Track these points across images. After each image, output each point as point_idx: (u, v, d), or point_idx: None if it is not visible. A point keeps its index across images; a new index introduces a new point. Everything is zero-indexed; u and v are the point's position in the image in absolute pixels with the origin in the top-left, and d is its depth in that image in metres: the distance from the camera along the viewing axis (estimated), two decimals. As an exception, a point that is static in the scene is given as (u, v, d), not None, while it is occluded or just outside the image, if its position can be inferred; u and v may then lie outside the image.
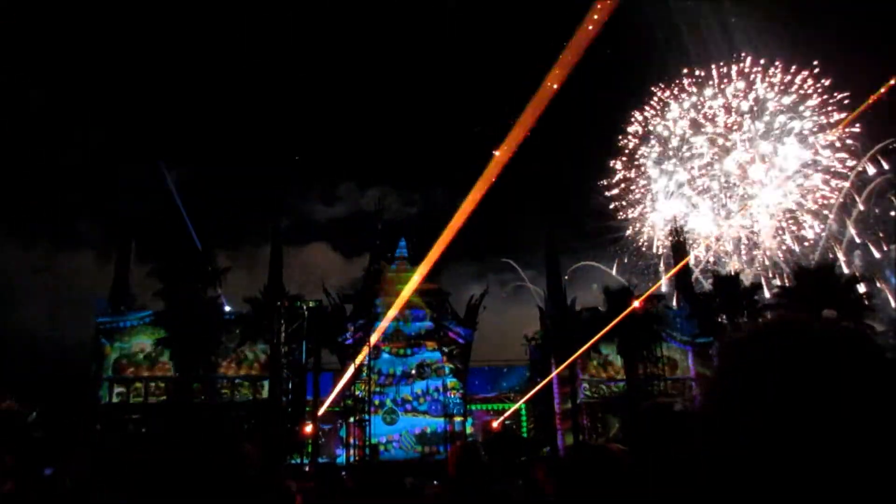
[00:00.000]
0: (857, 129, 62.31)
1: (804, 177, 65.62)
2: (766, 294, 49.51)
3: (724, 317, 40.99)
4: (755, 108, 67.47)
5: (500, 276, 67.34)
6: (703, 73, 69.58)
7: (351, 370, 39.09)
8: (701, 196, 70.31)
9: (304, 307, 36.35)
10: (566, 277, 49.56)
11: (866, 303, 41.12)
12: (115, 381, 39.31)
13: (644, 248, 71.76)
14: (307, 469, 32.13)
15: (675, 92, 71.27)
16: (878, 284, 51.97)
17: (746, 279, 51.15)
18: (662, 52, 75.53)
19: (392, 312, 42.71)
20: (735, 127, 68.46)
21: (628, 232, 72.71)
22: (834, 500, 0.84)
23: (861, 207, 59.97)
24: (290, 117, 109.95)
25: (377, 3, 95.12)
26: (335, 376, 42.40)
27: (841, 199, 62.58)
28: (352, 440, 40.06)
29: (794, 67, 65.28)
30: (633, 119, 73.24)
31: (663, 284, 62.56)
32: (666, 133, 71.76)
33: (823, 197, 64.65)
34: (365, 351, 38.08)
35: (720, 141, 68.96)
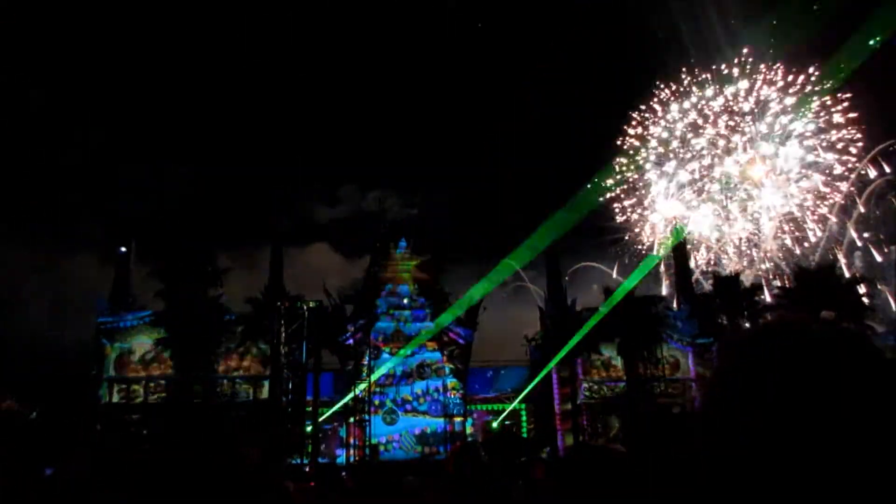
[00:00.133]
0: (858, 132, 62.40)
1: (805, 178, 65.65)
2: (767, 295, 49.53)
3: (725, 318, 41.00)
4: (756, 110, 67.49)
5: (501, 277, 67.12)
6: (703, 74, 69.63)
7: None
8: (701, 197, 70.32)
9: (305, 307, 36.36)
10: (566, 278, 49.60)
11: (866, 304, 41.14)
12: (115, 381, 39.30)
13: (644, 252, 71.75)
14: (307, 469, 32.14)
15: (676, 93, 71.31)
16: (879, 286, 51.96)
17: (747, 280, 51.16)
18: (663, 52, 75.66)
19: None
20: (737, 128, 68.46)
21: (629, 233, 72.76)
22: (834, 499, 0.84)
23: (861, 209, 59.97)
24: (291, 118, 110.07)
25: (378, 4, 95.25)
26: (335, 376, 42.43)
27: (841, 201, 62.61)
28: (352, 440, 40.08)
29: (794, 70, 65.31)
30: (633, 120, 73.29)
31: (664, 285, 62.69)
32: (666, 134, 71.79)
33: (824, 198, 64.69)
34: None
35: (721, 142, 68.97)
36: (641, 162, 72.68)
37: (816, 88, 64.27)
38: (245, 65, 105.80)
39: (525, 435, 44.03)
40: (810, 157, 65.47)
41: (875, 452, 0.85)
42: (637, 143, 72.96)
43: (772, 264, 65.77)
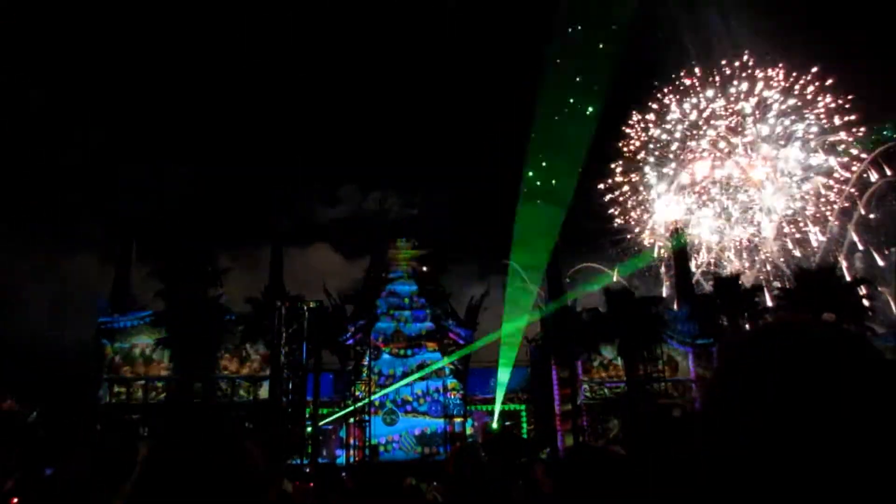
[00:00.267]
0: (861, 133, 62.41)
1: (806, 180, 65.65)
2: (767, 296, 49.52)
3: (725, 318, 41.00)
4: (757, 112, 67.47)
5: (502, 278, 67.17)
6: (705, 75, 69.62)
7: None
8: (702, 199, 70.32)
9: (305, 308, 36.39)
10: (567, 279, 49.63)
11: (867, 306, 41.15)
12: (115, 381, 39.31)
13: (645, 250, 71.75)
14: (307, 470, 32.14)
15: (677, 94, 71.32)
16: (879, 288, 51.94)
17: (747, 281, 51.15)
18: (664, 53, 75.58)
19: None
20: (738, 129, 68.45)
21: (629, 234, 72.76)
22: (834, 500, 0.85)
23: (862, 211, 59.94)
24: (291, 118, 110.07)
25: (379, 5, 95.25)
26: (335, 377, 42.44)
27: (843, 203, 62.58)
28: (352, 441, 40.09)
29: (795, 72, 65.31)
30: (633, 121, 73.31)
31: (664, 286, 62.68)
32: (665, 136, 71.82)
33: (825, 200, 64.68)
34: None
35: (722, 144, 68.96)
36: (641, 164, 72.73)
37: (818, 90, 64.33)
38: (245, 64, 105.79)
39: (525, 436, 44.01)
40: (812, 159, 65.49)
41: (875, 453, 0.85)
42: (637, 145, 73.02)
43: (772, 266, 65.78)
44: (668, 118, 71.62)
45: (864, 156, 61.95)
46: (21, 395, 31.85)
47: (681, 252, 51.00)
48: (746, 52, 67.19)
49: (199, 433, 1.64)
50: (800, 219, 65.64)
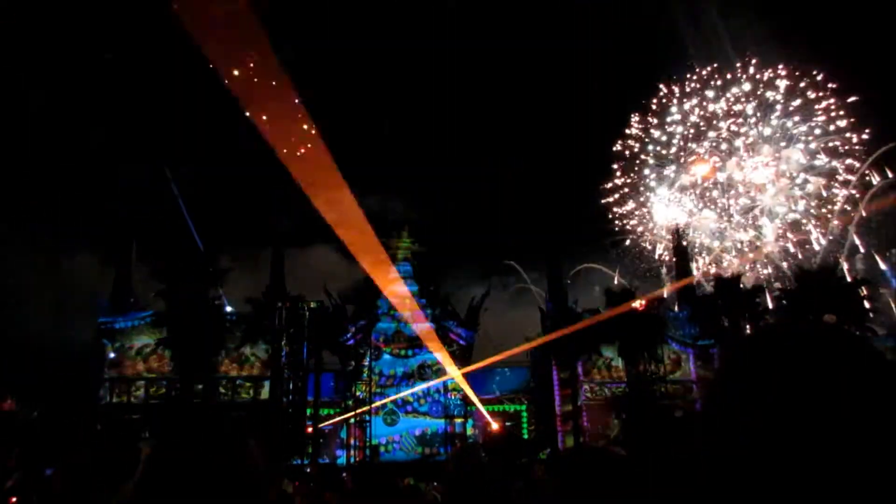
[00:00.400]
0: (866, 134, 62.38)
1: (807, 181, 65.59)
2: (768, 298, 49.46)
3: (726, 319, 40.98)
4: (758, 114, 67.44)
5: (503, 278, 67.33)
6: (706, 76, 69.59)
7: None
8: (703, 200, 70.29)
9: (306, 308, 36.42)
10: (568, 280, 49.63)
11: (868, 307, 41.14)
12: (115, 381, 39.33)
13: (646, 252, 71.75)
14: (308, 470, 32.15)
15: (677, 95, 71.28)
16: (881, 290, 51.88)
17: (748, 282, 51.10)
18: (665, 53, 75.63)
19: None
20: (739, 131, 68.40)
21: (630, 234, 72.72)
22: (834, 500, 0.84)
23: (863, 213, 59.89)
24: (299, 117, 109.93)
25: (381, 6, 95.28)
26: (336, 377, 42.44)
27: (844, 205, 62.56)
28: (352, 441, 40.09)
29: (798, 72, 65.24)
30: (633, 122, 73.29)
31: (665, 286, 62.64)
32: (665, 138, 71.80)
33: (827, 202, 64.65)
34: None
35: (723, 146, 68.93)
36: (641, 166, 72.73)
37: (820, 91, 64.30)
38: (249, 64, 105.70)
39: (526, 436, 44.03)
40: (813, 161, 65.44)
41: (875, 453, 0.85)
42: (637, 147, 73.01)
43: (773, 267, 65.74)
44: (670, 119, 71.59)
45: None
46: (22, 395, 31.88)
47: (681, 253, 50.98)
48: (749, 52, 67.17)
49: (200, 433, 1.64)
50: (802, 220, 65.61)
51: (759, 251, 66.54)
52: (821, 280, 40.73)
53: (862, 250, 58.79)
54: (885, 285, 53.48)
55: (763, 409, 0.92)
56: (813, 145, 65.39)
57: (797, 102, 65.60)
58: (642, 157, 72.79)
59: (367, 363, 41.82)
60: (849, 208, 61.98)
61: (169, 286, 37.80)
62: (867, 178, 60.69)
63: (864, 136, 62.52)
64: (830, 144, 64.79)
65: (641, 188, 72.83)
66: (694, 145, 70.28)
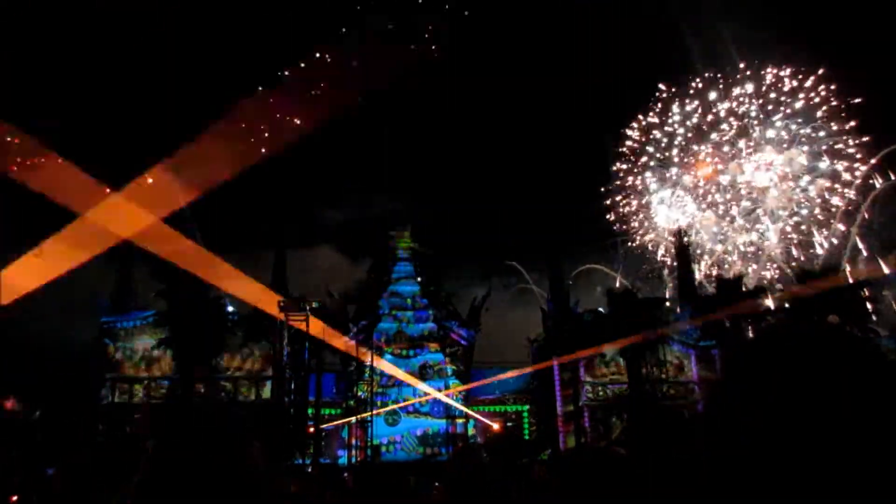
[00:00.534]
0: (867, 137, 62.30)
1: (811, 183, 65.50)
2: (770, 298, 49.38)
3: (727, 320, 40.93)
4: (761, 115, 67.34)
5: (505, 279, 67.33)
6: (708, 77, 69.51)
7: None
8: (705, 201, 70.23)
9: (307, 308, 36.38)
10: (570, 281, 49.63)
11: (870, 308, 41.09)
12: (117, 381, 39.35)
13: (648, 254, 71.71)
14: (309, 470, 32.14)
15: (679, 96, 71.23)
16: (884, 291, 51.79)
17: (750, 283, 51.07)
18: (667, 54, 75.58)
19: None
20: (742, 132, 68.32)
21: (632, 235, 72.69)
22: (834, 500, 0.84)
23: (866, 215, 59.82)
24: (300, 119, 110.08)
25: (387, 8, 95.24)
26: (337, 377, 42.47)
27: (847, 207, 62.47)
28: (353, 441, 40.09)
29: (801, 74, 65.14)
30: (635, 123, 73.26)
31: (667, 288, 62.63)
32: (666, 139, 71.76)
33: (829, 203, 64.57)
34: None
35: (725, 148, 68.87)
36: (642, 169, 72.72)
37: (824, 93, 64.19)
38: (251, 65, 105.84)
39: (527, 436, 44.04)
40: (816, 163, 65.34)
41: (875, 454, 0.84)
42: (638, 148, 73.00)
43: (775, 268, 65.67)
44: (671, 120, 71.53)
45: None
46: (24, 395, 31.91)
47: (683, 254, 50.93)
48: (752, 53, 67.06)
49: (201, 433, 1.64)
50: (803, 223, 65.54)
51: (763, 253, 66.48)
52: (823, 281, 40.69)
53: (865, 252, 58.74)
54: (888, 286, 53.43)
55: (764, 409, 0.91)
56: (815, 147, 65.33)
57: (800, 104, 65.51)
58: (644, 158, 72.80)
59: (368, 363, 41.83)
60: (851, 209, 61.92)
61: (170, 286, 37.81)
62: (871, 181, 60.61)
63: (866, 139, 62.44)
64: (833, 146, 64.70)
65: (643, 189, 72.85)
66: (695, 147, 70.25)
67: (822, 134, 64.83)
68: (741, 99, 68.02)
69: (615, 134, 73.55)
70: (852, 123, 62.99)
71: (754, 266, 66.75)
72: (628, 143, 73.36)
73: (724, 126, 68.84)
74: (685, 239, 52.47)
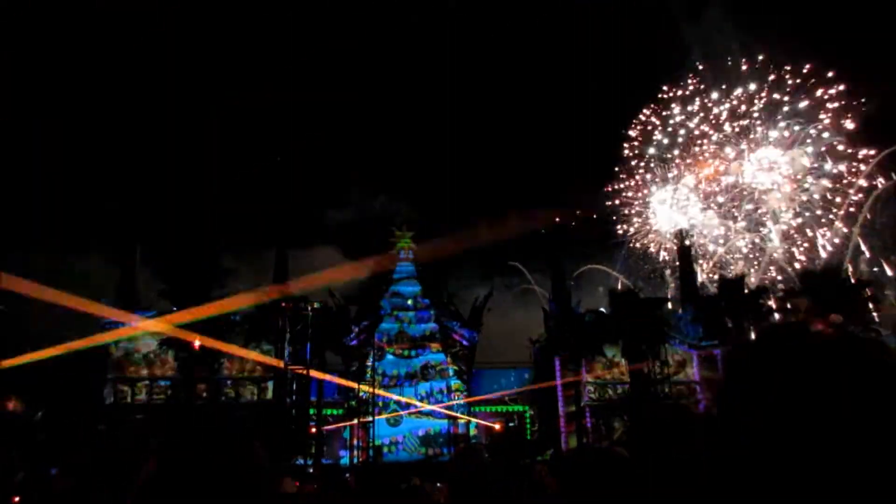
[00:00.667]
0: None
1: (813, 184, 65.43)
2: (772, 299, 49.34)
3: (729, 320, 40.91)
4: (763, 116, 67.27)
5: (507, 279, 67.31)
6: (711, 77, 69.45)
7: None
8: (707, 202, 70.18)
9: (309, 308, 36.41)
10: (571, 282, 49.61)
11: (871, 307, 41.05)
12: (118, 382, 39.37)
13: (650, 254, 71.67)
14: (311, 470, 32.14)
15: (681, 96, 71.18)
16: (886, 291, 51.73)
17: (752, 283, 51.04)
18: (669, 54, 75.54)
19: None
20: (745, 133, 68.26)
21: (633, 236, 72.66)
22: (834, 500, 0.84)
23: (868, 216, 59.74)
24: (301, 119, 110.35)
25: (387, 9, 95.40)
26: (339, 377, 42.45)
27: (848, 207, 62.39)
28: (355, 442, 40.09)
29: (805, 70, 65.00)
30: (636, 124, 73.23)
31: (669, 288, 62.62)
32: (667, 140, 71.72)
33: (831, 203, 64.49)
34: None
35: (728, 149, 68.80)
36: (643, 170, 72.70)
37: (829, 94, 64.08)
38: (255, 66, 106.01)
39: (529, 437, 44.03)
40: (818, 163, 65.26)
41: (875, 454, 0.84)
42: (640, 148, 72.97)
43: (778, 270, 65.58)
44: (673, 121, 71.49)
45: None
46: (27, 396, 31.94)
47: (685, 255, 50.91)
48: (755, 52, 66.98)
49: (203, 434, 1.64)
50: (805, 223, 65.46)
51: (765, 254, 66.39)
52: (825, 280, 40.66)
53: (867, 254, 58.67)
54: (889, 286, 53.38)
55: (764, 409, 0.91)
56: (818, 147, 65.23)
57: (803, 104, 65.41)
58: (645, 158, 72.79)
59: (370, 363, 41.84)
60: (853, 210, 61.83)
61: (173, 286, 37.84)
62: (875, 183, 60.51)
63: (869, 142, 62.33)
64: (835, 146, 64.61)
65: (645, 190, 72.83)
66: (697, 148, 70.22)
67: (825, 135, 64.74)
68: (743, 98, 68.01)
69: (617, 135, 73.57)
70: (854, 124, 62.93)
71: (756, 266, 66.70)
72: (630, 143, 73.38)
73: (727, 126, 68.82)
74: (687, 240, 52.41)
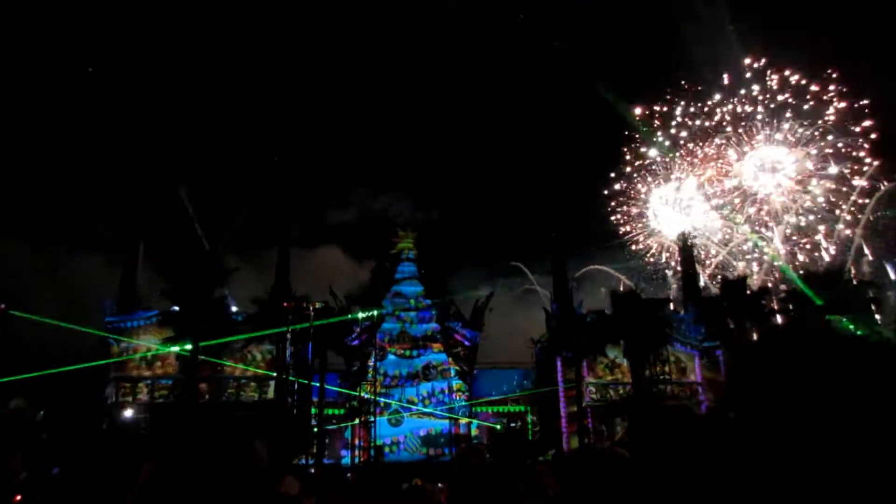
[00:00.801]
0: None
1: (815, 186, 65.36)
2: (773, 300, 49.26)
3: (731, 321, 40.82)
4: (766, 118, 67.17)
5: (509, 280, 67.28)
6: (713, 79, 69.41)
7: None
8: (709, 204, 70.09)
9: (311, 308, 36.38)
10: (573, 283, 49.54)
11: (874, 308, 40.96)
12: (121, 381, 39.40)
13: (652, 255, 71.61)
14: (312, 470, 32.15)
15: (684, 97, 71.12)
16: (889, 293, 51.64)
17: (754, 284, 50.96)
18: (671, 56, 75.45)
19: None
20: (747, 134, 68.17)
21: (636, 237, 72.62)
22: (834, 500, 0.83)
23: (870, 217, 59.66)
24: (303, 119, 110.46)
25: (388, 9, 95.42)
26: (341, 377, 42.45)
27: (850, 208, 62.33)
28: (357, 441, 40.09)
29: (808, 75, 64.95)
30: (638, 125, 73.15)
31: (671, 289, 62.57)
32: (669, 142, 71.66)
33: (834, 205, 64.43)
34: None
35: (730, 151, 68.72)
36: (646, 171, 72.64)
37: (832, 95, 64.00)
38: (260, 68, 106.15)
39: (531, 437, 43.99)
40: (822, 165, 65.20)
41: (875, 454, 0.84)
42: (643, 150, 72.92)
43: (780, 270, 65.50)
44: (675, 122, 71.44)
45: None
46: (29, 395, 31.95)
47: (687, 256, 50.86)
48: (759, 54, 66.91)
49: (204, 434, 1.64)
50: (807, 225, 65.40)
51: (767, 255, 66.29)
52: (827, 281, 40.57)
53: (869, 254, 58.61)
54: (891, 288, 53.31)
55: (765, 410, 0.91)
56: (822, 149, 65.16)
57: (807, 106, 65.30)
58: (648, 160, 72.74)
59: (371, 363, 41.82)
60: (855, 210, 61.76)
61: (175, 286, 37.82)
62: (879, 185, 60.41)
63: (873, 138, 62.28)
64: (839, 148, 64.54)
65: (647, 192, 72.77)
66: (700, 150, 70.15)
67: (829, 137, 64.66)
68: (746, 100, 67.94)
69: (619, 136, 73.53)
70: (859, 127, 62.85)
71: (758, 268, 66.63)
72: (632, 145, 73.33)
73: (729, 128, 68.76)
74: (689, 241, 52.37)
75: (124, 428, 35.48)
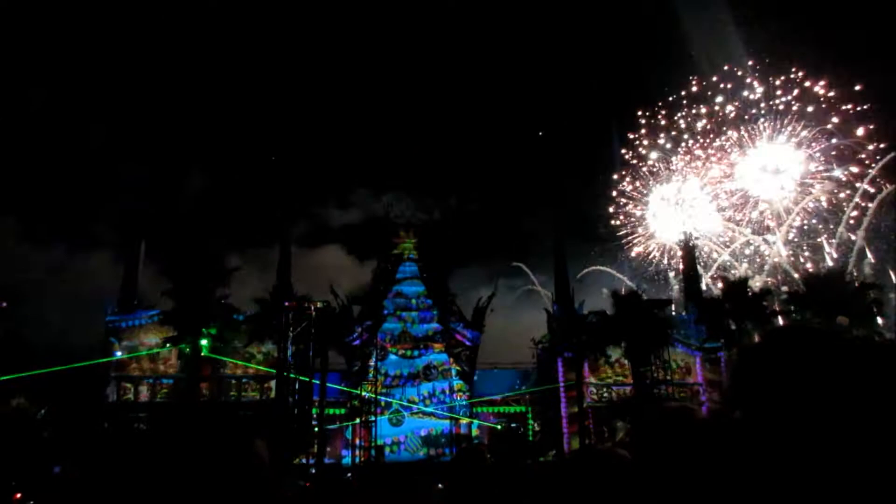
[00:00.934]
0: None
1: (816, 186, 65.30)
2: (776, 302, 49.25)
3: (733, 322, 40.81)
4: (769, 119, 67.11)
5: (511, 280, 67.37)
6: (716, 81, 69.38)
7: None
8: (711, 206, 70.08)
9: (312, 308, 36.37)
10: (573, 284, 49.55)
11: (875, 310, 40.97)
12: (122, 380, 39.42)
13: (654, 258, 71.61)
14: (312, 470, 32.17)
15: (684, 97, 71.10)
16: (890, 295, 51.59)
17: (755, 286, 50.89)
18: (673, 58, 75.43)
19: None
20: (748, 135, 68.12)
21: (637, 238, 72.62)
22: (834, 500, 0.83)
23: (872, 218, 59.60)
24: (305, 120, 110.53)
25: (394, 12, 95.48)
26: (342, 377, 42.44)
27: (852, 210, 62.26)
28: (357, 441, 40.08)
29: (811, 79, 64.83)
30: (639, 125, 73.17)
31: (673, 290, 62.55)
32: (670, 145, 71.66)
33: (836, 207, 64.36)
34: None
35: (733, 152, 68.67)
36: (648, 173, 72.65)
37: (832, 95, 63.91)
38: (263, 68, 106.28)
39: (531, 438, 43.96)
40: (825, 167, 65.12)
41: (875, 455, 0.83)
42: (645, 151, 72.93)
43: (782, 273, 65.48)
44: (677, 124, 71.42)
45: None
46: (31, 394, 31.99)
47: (688, 257, 50.84)
48: (761, 56, 66.85)
49: (205, 433, 1.64)
50: (810, 227, 65.35)
51: (769, 257, 66.26)
52: (829, 283, 40.57)
53: (871, 257, 58.55)
54: (893, 290, 53.26)
55: (767, 410, 0.91)
56: (825, 151, 65.08)
57: (811, 108, 65.19)
58: (650, 161, 72.75)
59: (372, 363, 41.81)
60: (857, 213, 61.70)
61: (176, 285, 37.84)
62: (883, 186, 60.32)
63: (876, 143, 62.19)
64: (842, 150, 64.46)
65: (648, 193, 72.79)
66: (701, 152, 70.12)
67: (833, 140, 64.57)
68: (749, 103, 67.89)
69: (621, 137, 73.60)
70: (863, 129, 62.76)
71: (760, 269, 66.59)
72: (634, 146, 73.34)
73: (732, 130, 68.73)
74: (691, 242, 52.35)
75: (125, 427, 35.50)
